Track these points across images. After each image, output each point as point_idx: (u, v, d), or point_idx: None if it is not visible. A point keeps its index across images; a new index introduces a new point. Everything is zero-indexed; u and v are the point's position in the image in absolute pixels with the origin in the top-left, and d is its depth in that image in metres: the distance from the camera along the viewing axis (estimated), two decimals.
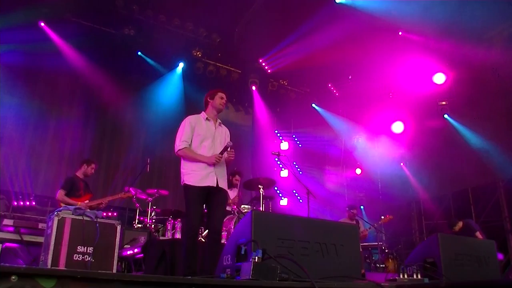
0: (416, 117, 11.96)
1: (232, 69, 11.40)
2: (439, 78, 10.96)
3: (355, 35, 9.67)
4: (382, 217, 8.90)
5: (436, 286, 2.91)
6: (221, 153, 4.56)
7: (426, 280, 3.27)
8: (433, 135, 11.62)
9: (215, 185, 4.46)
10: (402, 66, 11.02)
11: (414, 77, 11.21)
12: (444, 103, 11.61)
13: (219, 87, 5.20)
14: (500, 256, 7.45)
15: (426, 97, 11.39)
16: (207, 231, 5.15)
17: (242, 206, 7.15)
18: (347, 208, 9.11)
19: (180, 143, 4.61)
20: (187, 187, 4.47)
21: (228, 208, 6.29)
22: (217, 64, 11.14)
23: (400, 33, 10.34)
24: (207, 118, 4.78)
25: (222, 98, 4.85)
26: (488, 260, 4.08)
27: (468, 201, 11.25)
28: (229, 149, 4.67)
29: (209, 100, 4.86)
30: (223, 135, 4.83)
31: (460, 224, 8.22)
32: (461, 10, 8.43)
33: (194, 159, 4.56)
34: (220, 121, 4.91)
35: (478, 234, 7.93)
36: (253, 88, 11.79)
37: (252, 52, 11.32)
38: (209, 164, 4.52)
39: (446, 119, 11.60)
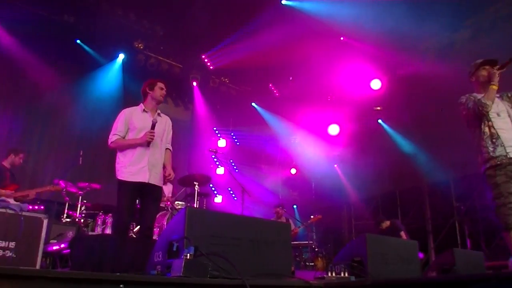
0: (352, 120, 12.36)
1: (174, 63, 11.24)
2: (375, 84, 11.39)
3: (299, 37, 9.83)
4: (312, 216, 9.15)
5: (362, 283, 3.02)
6: (152, 128, 4.45)
7: (353, 278, 3.38)
8: (366, 139, 12.06)
9: (146, 181, 4.38)
10: (342, 71, 11.33)
11: (352, 82, 11.56)
12: (379, 108, 12.09)
13: None
14: (421, 255, 7.88)
15: (362, 102, 11.80)
16: (138, 226, 5.06)
17: (176, 202, 7.09)
18: (274, 207, 9.33)
19: (111, 136, 4.52)
20: (120, 182, 4.37)
21: (161, 204, 6.21)
22: (159, 57, 10.94)
23: (342, 38, 10.62)
24: (144, 110, 4.65)
25: (162, 88, 4.72)
26: (410, 259, 4.29)
27: (395, 203, 11.80)
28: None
29: (148, 91, 4.71)
30: (162, 125, 4.71)
31: (388, 223, 8.67)
32: (399, 20, 8.78)
33: (127, 146, 4.47)
34: (159, 111, 4.79)
35: (402, 234, 8.37)
36: (194, 83, 11.69)
37: (195, 47, 11.22)
38: (143, 146, 4.43)
39: (380, 124, 12.08)
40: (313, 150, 13.19)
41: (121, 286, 2.07)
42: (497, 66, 4.17)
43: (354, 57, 10.92)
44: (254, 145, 13.25)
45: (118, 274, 2.29)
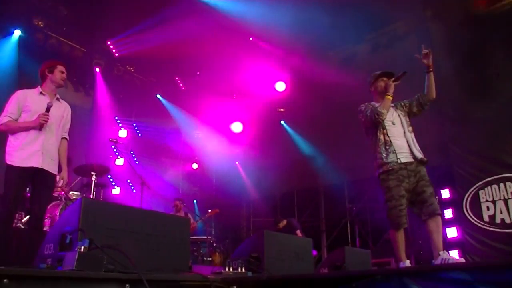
0: (255, 119, 12.60)
1: (77, 46, 10.55)
2: (280, 86, 11.72)
3: (209, 33, 9.79)
4: (209, 210, 9.24)
5: (258, 279, 3.10)
6: (47, 110, 4.21)
7: (250, 274, 3.46)
8: (269, 139, 12.38)
9: (39, 166, 4.11)
10: (249, 70, 11.50)
11: (258, 82, 11.79)
12: (282, 110, 12.46)
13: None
14: (314, 252, 8.32)
15: (267, 102, 12.08)
16: (28, 216, 4.73)
17: (71, 192, 6.73)
18: (173, 200, 9.31)
19: (2, 118, 4.20)
20: (8, 167, 4.06)
21: (54, 194, 5.86)
22: (60, 38, 10.19)
23: (251, 38, 10.76)
24: (41, 93, 4.37)
25: (62, 72, 4.49)
26: (304, 256, 4.49)
27: (293, 202, 12.26)
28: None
29: (48, 74, 4.44)
30: (61, 111, 4.46)
31: (284, 222, 9.01)
32: (307, 27, 9.12)
33: (18, 129, 4.18)
34: (58, 96, 4.52)
35: (298, 232, 8.75)
36: (97, 70, 11.12)
37: (100, 32, 10.68)
38: (36, 129, 4.17)
39: (282, 125, 12.46)
40: (216, 146, 13.27)
41: (5, 281, 1.93)
42: (393, 78, 4.46)
43: (262, 58, 11.14)
44: (156, 137, 12.97)
45: (2, 268, 2.12)
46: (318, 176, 11.47)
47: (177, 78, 12.73)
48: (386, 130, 4.34)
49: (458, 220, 8.11)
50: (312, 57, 10.75)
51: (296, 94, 11.67)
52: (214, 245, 8.88)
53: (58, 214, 5.77)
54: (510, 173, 7.61)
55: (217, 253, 8.53)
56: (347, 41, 10.49)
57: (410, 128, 4.44)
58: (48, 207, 5.50)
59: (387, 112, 4.35)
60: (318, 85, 10.65)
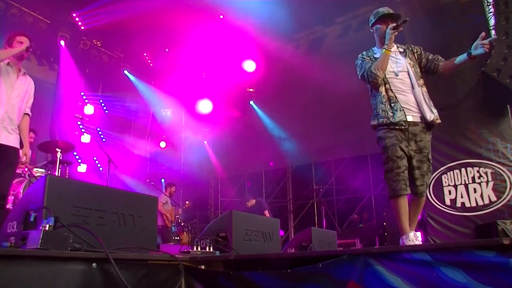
0: (224, 99, 12.56)
1: (40, 17, 10.16)
2: (250, 66, 11.67)
3: (179, 9, 9.63)
4: (187, 202, 9.28)
5: (226, 258, 3.11)
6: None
7: (218, 253, 3.47)
8: (238, 119, 12.37)
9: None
10: (218, 49, 11.38)
11: (228, 61, 11.70)
12: (251, 90, 12.44)
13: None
14: (281, 232, 8.44)
15: (236, 83, 12.04)
16: None
17: (35, 169, 6.56)
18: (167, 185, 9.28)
19: None
20: None
21: (18, 171, 5.68)
22: (23, 8, 9.77)
23: (221, 16, 10.63)
24: (8, 63, 4.14)
25: (21, 42, 4.19)
26: (272, 235, 4.53)
27: (261, 182, 12.36)
28: None
29: (7, 48, 4.20)
30: (26, 86, 4.28)
31: (253, 201, 9.08)
32: (277, 7, 9.06)
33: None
34: (25, 71, 4.33)
35: (266, 212, 8.83)
36: (62, 43, 10.76)
37: (66, 3, 10.30)
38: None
39: (251, 105, 12.45)
40: (185, 125, 13.17)
41: None
42: (393, 25, 3.73)
43: (232, 37, 11.04)
44: (124, 114, 12.76)
45: None
46: (286, 157, 11.56)
47: (145, 54, 12.49)
48: (389, 84, 3.69)
49: None
50: (282, 38, 10.72)
51: (265, 75, 11.67)
52: (182, 224, 8.87)
53: (21, 192, 5.59)
54: (471, 159, 7.86)
55: (185, 232, 8.54)
56: (317, 23, 10.49)
57: (421, 81, 3.76)
58: (12, 183, 5.34)
59: (383, 72, 3.68)
60: (287, 67, 10.66)
